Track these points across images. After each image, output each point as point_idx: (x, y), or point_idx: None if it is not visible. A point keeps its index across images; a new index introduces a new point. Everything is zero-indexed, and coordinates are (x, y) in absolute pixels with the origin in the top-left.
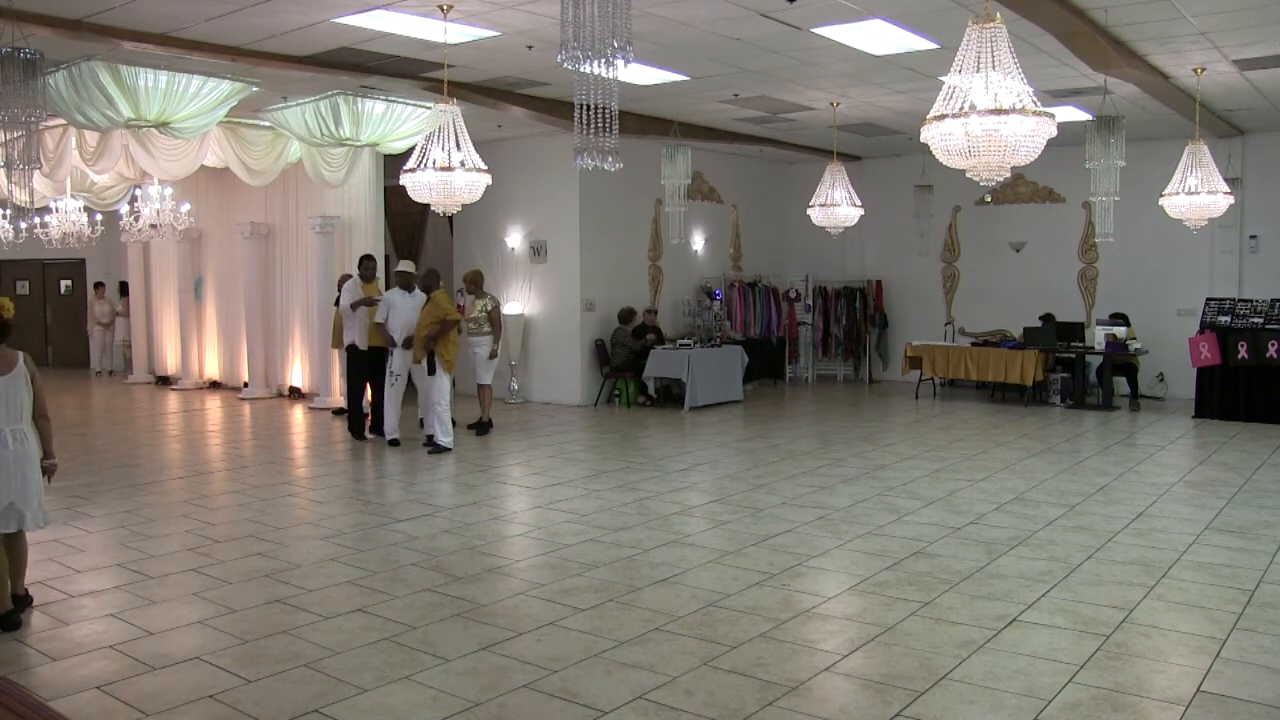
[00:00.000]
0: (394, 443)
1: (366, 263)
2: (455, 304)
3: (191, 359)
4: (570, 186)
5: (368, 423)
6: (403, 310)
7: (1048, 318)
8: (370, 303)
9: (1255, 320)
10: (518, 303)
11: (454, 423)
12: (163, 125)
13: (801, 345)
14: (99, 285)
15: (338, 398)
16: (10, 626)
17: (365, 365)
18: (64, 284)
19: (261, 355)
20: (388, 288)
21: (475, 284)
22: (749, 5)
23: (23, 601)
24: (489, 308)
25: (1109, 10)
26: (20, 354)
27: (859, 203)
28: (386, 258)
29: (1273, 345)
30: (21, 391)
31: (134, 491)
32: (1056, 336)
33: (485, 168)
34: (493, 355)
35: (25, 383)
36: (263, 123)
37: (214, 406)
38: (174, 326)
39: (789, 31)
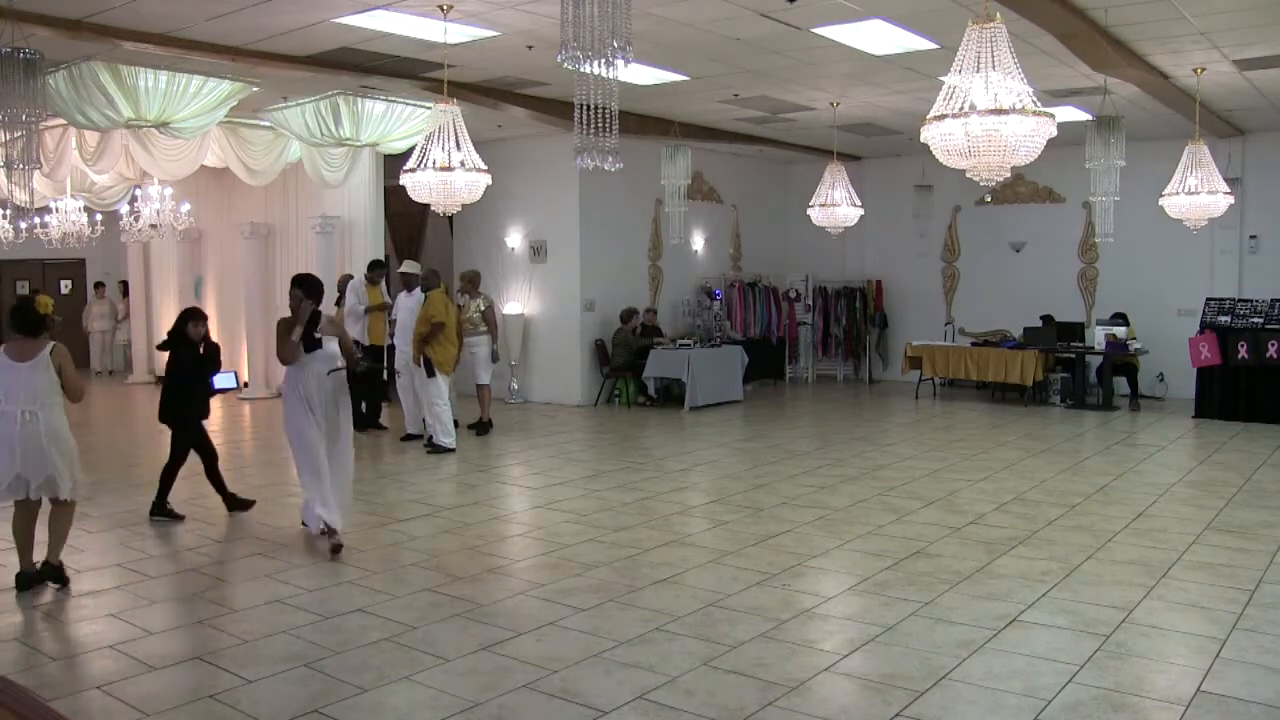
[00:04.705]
0: (406, 438)
1: (377, 269)
2: (454, 304)
3: None
4: (570, 186)
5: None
6: (401, 311)
7: (1047, 318)
8: (381, 308)
9: (1255, 320)
10: (518, 303)
11: (455, 423)
12: (163, 125)
13: (801, 345)
14: (99, 285)
15: None
16: (27, 585)
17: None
18: (64, 284)
19: (261, 355)
20: (389, 289)
21: (471, 284)
22: (749, 5)
23: (56, 572)
24: (482, 307)
25: (1109, 10)
26: (50, 345)
27: (859, 203)
28: (387, 258)
29: (1273, 345)
30: (41, 378)
31: (134, 491)
32: (1056, 336)
33: (485, 168)
34: (494, 358)
35: (47, 371)
36: (263, 123)
37: (214, 406)
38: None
39: (789, 31)
